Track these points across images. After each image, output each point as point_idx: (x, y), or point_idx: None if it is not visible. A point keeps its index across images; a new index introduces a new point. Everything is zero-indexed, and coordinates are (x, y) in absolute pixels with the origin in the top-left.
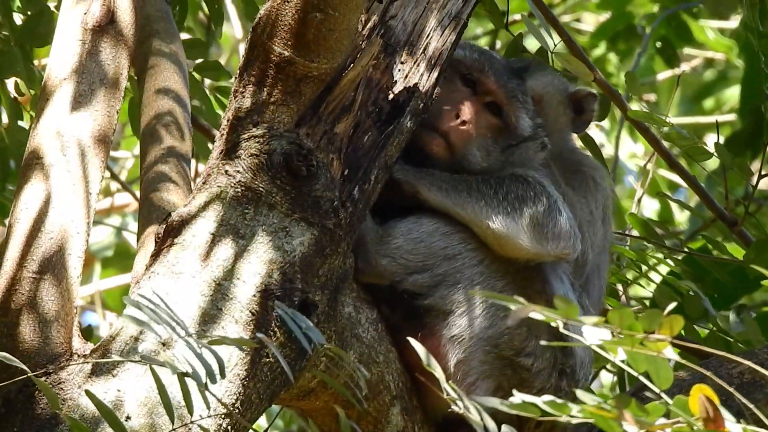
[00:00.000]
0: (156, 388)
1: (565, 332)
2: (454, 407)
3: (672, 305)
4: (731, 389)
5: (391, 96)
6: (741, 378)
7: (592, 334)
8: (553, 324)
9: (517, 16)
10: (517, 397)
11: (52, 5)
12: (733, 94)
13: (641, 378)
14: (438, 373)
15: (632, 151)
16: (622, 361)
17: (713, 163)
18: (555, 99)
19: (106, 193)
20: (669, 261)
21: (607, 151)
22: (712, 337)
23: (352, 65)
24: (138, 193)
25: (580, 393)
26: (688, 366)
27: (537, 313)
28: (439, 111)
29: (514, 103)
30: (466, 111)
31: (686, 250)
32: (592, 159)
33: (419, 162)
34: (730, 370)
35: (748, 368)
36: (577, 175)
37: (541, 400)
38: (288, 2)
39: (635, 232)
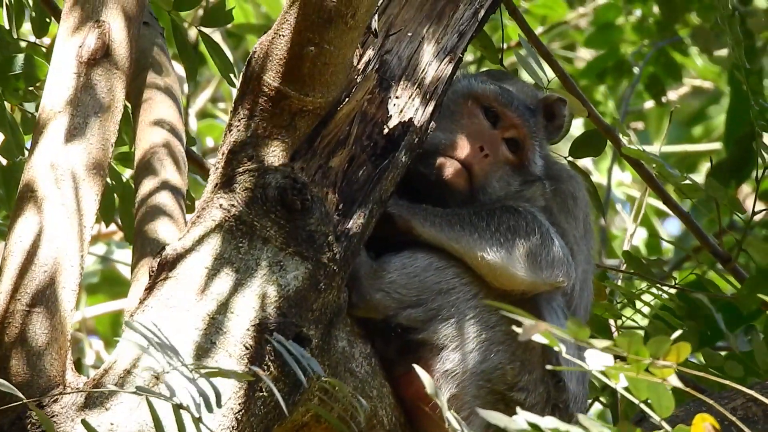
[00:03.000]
0: (149, 422)
1: (567, 356)
2: None
3: (677, 333)
4: (734, 418)
5: (386, 130)
6: (735, 414)
7: (595, 359)
8: (555, 348)
9: (512, 42)
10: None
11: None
12: (722, 120)
13: (642, 406)
14: (441, 401)
15: (620, 180)
16: (624, 389)
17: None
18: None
19: None
20: (663, 295)
21: (594, 178)
22: (705, 371)
23: (347, 99)
24: (121, 222)
25: (582, 417)
26: (683, 399)
27: (546, 333)
28: (463, 142)
29: (532, 142)
30: (490, 144)
31: (678, 286)
32: (567, 168)
33: (415, 195)
34: (724, 406)
35: (741, 404)
36: (556, 196)
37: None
38: (283, 36)
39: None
